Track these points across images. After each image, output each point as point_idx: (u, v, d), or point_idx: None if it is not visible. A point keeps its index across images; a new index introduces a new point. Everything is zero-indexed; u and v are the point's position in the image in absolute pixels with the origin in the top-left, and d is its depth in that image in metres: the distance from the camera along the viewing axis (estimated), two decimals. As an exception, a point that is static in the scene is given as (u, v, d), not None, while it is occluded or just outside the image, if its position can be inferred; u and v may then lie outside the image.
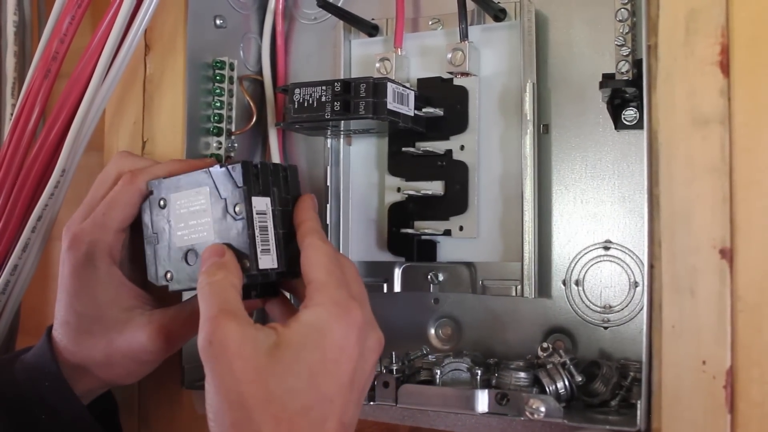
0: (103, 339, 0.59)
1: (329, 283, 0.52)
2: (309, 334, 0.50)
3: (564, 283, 0.65)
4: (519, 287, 0.64)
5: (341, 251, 0.70)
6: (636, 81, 0.58)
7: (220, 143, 0.71)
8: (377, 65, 0.68)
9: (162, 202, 0.59)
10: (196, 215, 0.57)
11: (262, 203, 0.56)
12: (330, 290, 0.52)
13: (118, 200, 0.60)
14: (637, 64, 0.58)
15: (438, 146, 0.66)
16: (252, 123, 0.73)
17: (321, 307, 0.51)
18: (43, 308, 0.97)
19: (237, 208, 0.55)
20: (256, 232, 0.55)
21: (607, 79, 0.59)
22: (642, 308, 0.60)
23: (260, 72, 0.75)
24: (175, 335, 0.59)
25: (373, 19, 0.71)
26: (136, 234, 0.61)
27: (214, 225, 0.56)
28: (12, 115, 0.73)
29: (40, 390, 0.59)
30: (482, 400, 0.58)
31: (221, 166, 0.56)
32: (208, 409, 0.49)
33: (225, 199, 0.55)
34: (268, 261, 0.55)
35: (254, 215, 0.55)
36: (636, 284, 0.62)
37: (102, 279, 0.59)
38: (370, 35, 0.72)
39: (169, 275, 0.58)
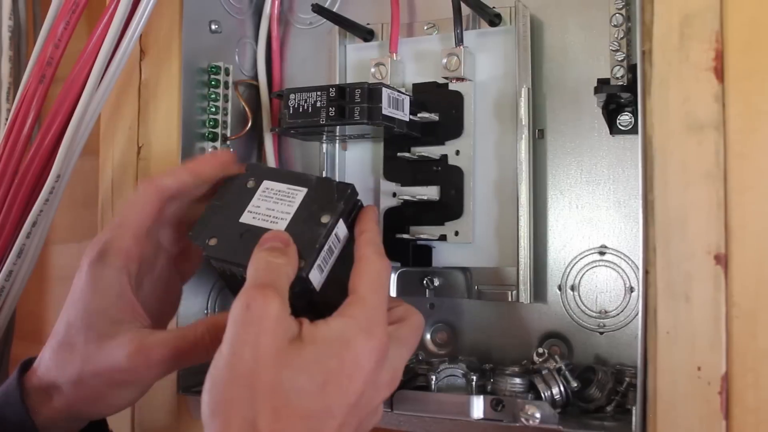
0: (81, 354, 0.55)
1: (369, 301, 0.51)
2: (333, 341, 0.49)
3: (559, 288, 0.65)
4: (514, 292, 0.64)
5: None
6: (631, 86, 0.58)
7: (216, 148, 0.70)
8: (372, 70, 0.68)
9: (251, 183, 0.58)
10: (279, 206, 0.57)
11: (343, 230, 0.56)
12: (367, 308, 0.51)
13: (135, 201, 0.58)
14: (631, 69, 0.58)
15: (433, 151, 0.66)
16: (247, 128, 0.73)
17: (353, 320, 0.50)
18: (39, 313, 0.97)
19: (324, 219, 0.55)
20: (324, 248, 0.54)
21: (602, 84, 0.60)
22: (637, 313, 0.60)
23: (256, 77, 0.75)
24: (158, 360, 0.54)
25: (368, 24, 0.72)
26: (160, 253, 0.61)
27: (292, 222, 0.55)
28: (7, 119, 0.73)
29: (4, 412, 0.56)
30: (477, 406, 0.58)
31: (330, 180, 0.57)
32: (208, 377, 0.47)
33: (318, 205, 0.56)
34: (316, 277, 0.55)
35: (332, 234, 0.55)
36: (631, 289, 0.62)
37: (106, 279, 0.56)
38: (366, 40, 0.72)
39: (213, 241, 0.57)
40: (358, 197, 0.57)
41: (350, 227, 0.57)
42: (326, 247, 0.55)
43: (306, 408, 0.47)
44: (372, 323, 0.50)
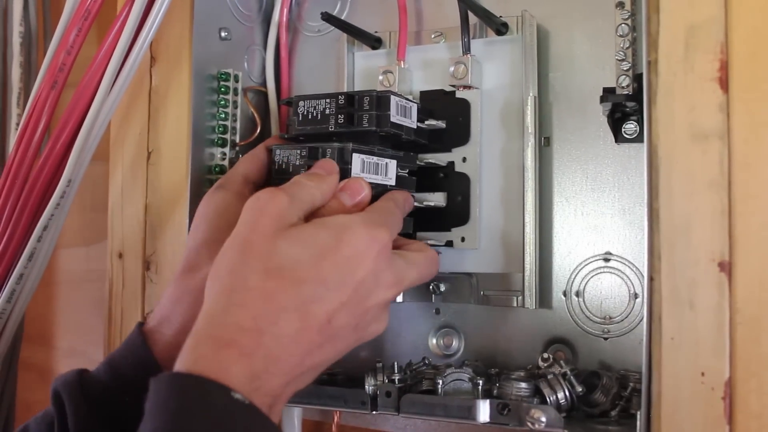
0: (204, 272, 0.55)
1: (378, 206, 0.56)
2: (334, 226, 0.51)
3: (564, 294, 0.65)
4: (520, 298, 0.64)
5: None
6: (636, 95, 0.59)
7: (225, 154, 0.71)
8: (380, 78, 0.69)
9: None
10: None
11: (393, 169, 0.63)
12: (374, 209, 0.55)
13: (245, 155, 0.65)
14: (637, 78, 0.59)
15: (440, 158, 0.67)
16: (256, 134, 0.74)
17: (357, 215, 0.54)
18: (47, 316, 0.97)
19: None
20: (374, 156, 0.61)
21: (608, 93, 0.60)
22: (641, 319, 0.61)
23: (264, 84, 0.76)
24: None
25: (376, 32, 0.72)
26: None
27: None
28: (18, 125, 0.74)
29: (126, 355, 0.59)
30: (483, 410, 0.58)
31: None
32: (219, 252, 0.51)
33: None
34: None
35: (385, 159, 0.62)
36: (636, 296, 0.63)
37: (224, 202, 0.61)
38: (374, 48, 0.72)
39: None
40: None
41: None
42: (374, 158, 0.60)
43: (299, 275, 0.49)
44: (376, 220, 0.53)
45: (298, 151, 0.61)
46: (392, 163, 0.62)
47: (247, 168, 0.63)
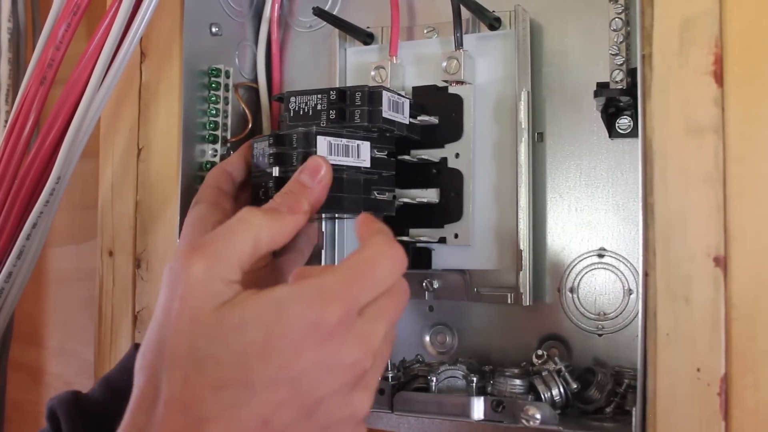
0: None
1: (335, 272, 0.45)
2: (265, 309, 0.43)
3: (558, 290, 0.65)
4: (514, 295, 0.64)
5: (337, 261, 0.70)
6: (630, 90, 0.58)
7: (216, 150, 0.71)
8: (372, 73, 0.68)
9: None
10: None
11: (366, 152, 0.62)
12: (327, 277, 0.44)
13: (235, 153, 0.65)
14: (631, 73, 0.59)
15: (433, 154, 0.67)
16: (247, 130, 0.73)
17: (298, 288, 0.44)
18: (36, 315, 0.97)
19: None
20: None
21: (602, 87, 0.60)
22: (636, 315, 0.61)
23: (255, 79, 0.75)
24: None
25: (368, 27, 0.72)
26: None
27: None
28: (6, 121, 0.73)
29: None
30: (478, 408, 0.58)
31: None
32: (143, 342, 0.46)
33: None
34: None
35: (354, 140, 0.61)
36: (630, 292, 0.63)
37: (200, 214, 0.59)
38: (366, 43, 0.72)
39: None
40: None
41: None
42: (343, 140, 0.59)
43: (219, 378, 0.42)
44: (327, 291, 0.44)
45: (266, 141, 0.60)
46: (365, 145, 0.61)
47: (217, 179, 0.62)
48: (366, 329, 0.45)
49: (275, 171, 0.58)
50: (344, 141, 0.60)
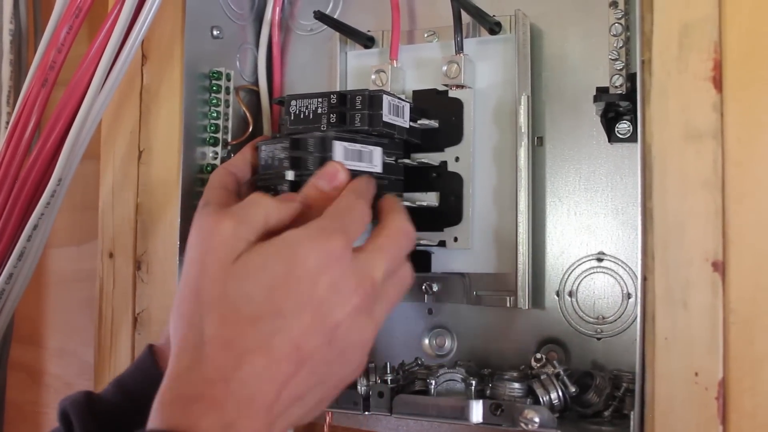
0: None
1: (332, 211, 0.52)
2: (281, 249, 0.49)
3: (557, 294, 0.65)
4: (513, 298, 0.64)
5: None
6: (629, 95, 0.59)
7: (216, 153, 0.71)
8: (373, 77, 0.69)
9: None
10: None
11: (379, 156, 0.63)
12: (326, 216, 0.52)
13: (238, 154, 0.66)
14: (630, 78, 0.59)
15: (433, 158, 0.67)
16: (248, 133, 0.74)
17: (304, 229, 0.50)
18: (37, 317, 0.97)
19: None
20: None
21: (601, 92, 0.60)
22: (634, 319, 0.61)
23: (256, 83, 0.75)
24: None
25: (369, 31, 0.72)
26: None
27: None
28: (8, 123, 0.73)
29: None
30: (477, 411, 0.58)
31: None
32: (176, 297, 0.51)
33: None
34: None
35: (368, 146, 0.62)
36: (629, 296, 0.63)
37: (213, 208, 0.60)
38: (366, 47, 0.72)
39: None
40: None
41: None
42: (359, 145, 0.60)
43: (253, 312, 0.47)
44: (327, 227, 0.50)
45: (281, 144, 0.60)
46: (377, 150, 0.62)
47: (223, 179, 0.62)
48: (365, 257, 0.51)
49: (290, 175, 0.59)
50: (359, 146, 0.60)
